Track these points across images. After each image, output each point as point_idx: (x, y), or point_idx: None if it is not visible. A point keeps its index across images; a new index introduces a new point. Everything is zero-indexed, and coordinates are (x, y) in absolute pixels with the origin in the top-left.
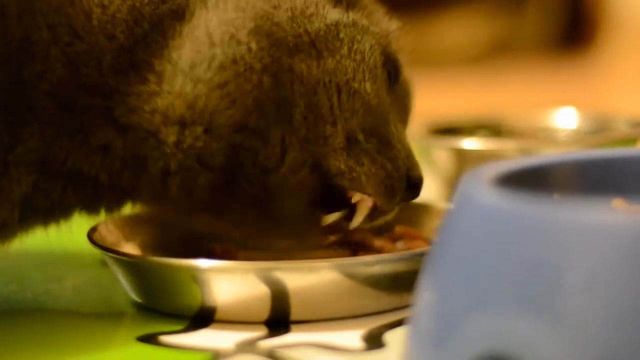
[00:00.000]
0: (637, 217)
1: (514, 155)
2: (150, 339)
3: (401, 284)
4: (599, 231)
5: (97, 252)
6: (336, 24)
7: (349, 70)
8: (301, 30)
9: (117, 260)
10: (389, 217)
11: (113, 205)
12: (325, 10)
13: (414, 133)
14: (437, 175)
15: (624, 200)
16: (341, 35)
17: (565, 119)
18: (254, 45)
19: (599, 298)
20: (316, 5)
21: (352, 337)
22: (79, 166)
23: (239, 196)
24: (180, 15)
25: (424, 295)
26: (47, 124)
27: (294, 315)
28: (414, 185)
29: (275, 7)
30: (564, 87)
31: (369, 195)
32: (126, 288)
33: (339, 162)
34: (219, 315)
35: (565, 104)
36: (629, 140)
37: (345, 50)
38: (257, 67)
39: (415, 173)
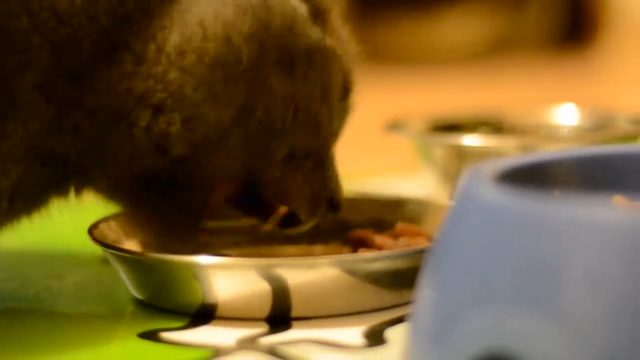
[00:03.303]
0: (638, 213)
1: (515, 152)
2: (151, 336)
3: (402, 280)
4: (600, 228)
5: (98, 249)
6: (315, 48)
7: (313, 94)
8: (288, 46)
9: (118, 257)
10: (304, 228)
11: (79, 188)
12: (309, 30)
13: (415, 130)
14: (438, 172)
15: (625, 196)
16: (316, 58)
17: (566, 116)
18: (245, 54)
19: (599, 295)
20: (303, 24)
21: (353, 333)
22: (54, 148)
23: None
24: None
25: (425, 292)
26: (31, 118)
27: (294, 312)
28: (335, 206)
29: (273, 16)
30: (564, 84)
31: (291, 208)
32: (127, 285)
33: (274, 173)
34: (219, 312)
35: (566, 100)
36: (629, 137)
37: (315, 75)
38: (245, 76)
39: (337, 196)
